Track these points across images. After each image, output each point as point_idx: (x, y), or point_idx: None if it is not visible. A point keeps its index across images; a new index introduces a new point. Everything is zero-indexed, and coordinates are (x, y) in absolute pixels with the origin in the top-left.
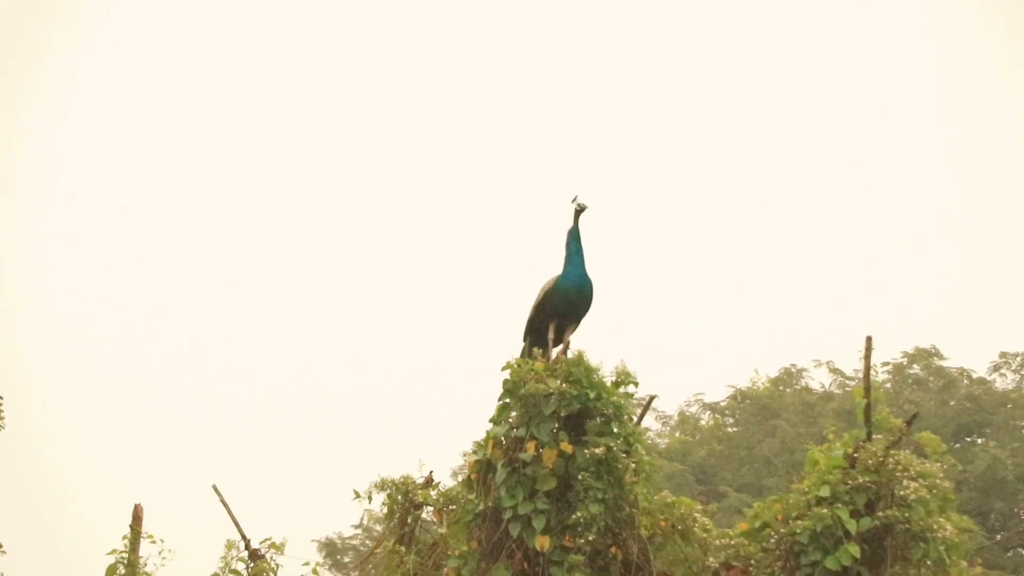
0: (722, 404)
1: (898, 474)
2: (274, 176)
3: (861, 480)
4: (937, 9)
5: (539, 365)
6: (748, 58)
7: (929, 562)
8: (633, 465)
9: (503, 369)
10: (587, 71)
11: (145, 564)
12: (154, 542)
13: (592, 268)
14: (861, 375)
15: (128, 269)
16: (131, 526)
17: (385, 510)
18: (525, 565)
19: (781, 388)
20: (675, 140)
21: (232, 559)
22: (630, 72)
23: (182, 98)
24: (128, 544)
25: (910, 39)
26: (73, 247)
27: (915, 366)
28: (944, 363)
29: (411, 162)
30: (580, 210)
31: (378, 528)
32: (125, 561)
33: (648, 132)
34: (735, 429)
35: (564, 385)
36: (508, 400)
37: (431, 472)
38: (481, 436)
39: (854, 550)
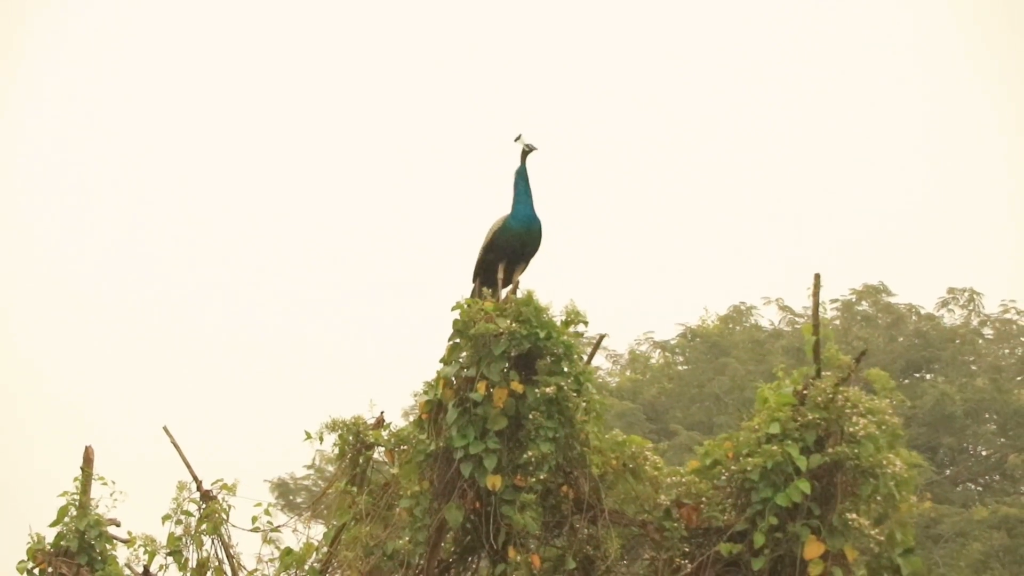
0: (672, 343)
1: (847, 411)
2: (242, 117)
3: (811, 417)
4: None
5: (489, 305)
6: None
7: (879, 497)
8: (584, 404)
9: (453, 309)
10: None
11: (96, 506)
12: (105, 483)
13: (541, 208)
14: (810, 312)
15: (92, 200)
16: (82, 468)
17: (337, 451)
18: (477, 504)
19: (731, 326)
20: (623, 77)
21: (184, 500)
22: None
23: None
24: (79, 486)
25: None
26: (40, 174)
27: (864, 303)
28: (892, 300)
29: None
30: (527, 150)
31: (330, 469)
32: (76, 503)
33: (595, 69)
34: (685, 367)
35: (514, 325)
36: (458, 340)
37: (382, 413)
38: (432, 376)
39: (804, 486)
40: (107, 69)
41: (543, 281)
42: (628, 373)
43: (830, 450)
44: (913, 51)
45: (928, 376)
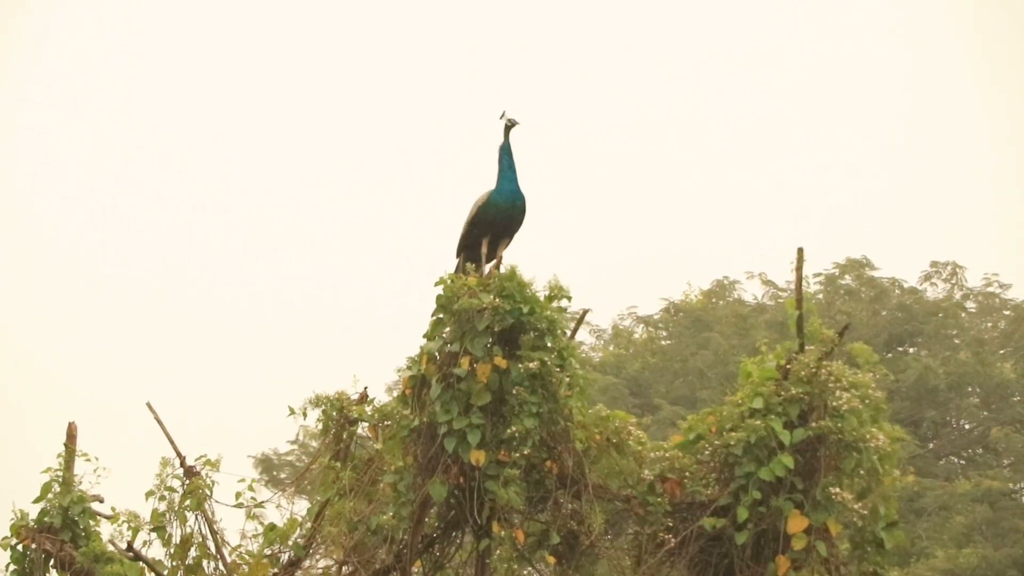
0: (655, 317)
1: (831, 385)
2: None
3: (794, 391)
4: None
5: (472, 280)
6: None
7: (862, 471)
8: (567, 379)
9: (436, 284)
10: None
11: (80, 482)
12: (89, 460)
13: (524, 183)
14: (793, 286)
15: (80, 176)
16: (65, 444)
17: (320, 426)
18: (461, 479)
19: (714, 301)
20: (614, 51)
21: (167, 476)
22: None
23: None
24: (63, 462)
25: None
26: (30, 155)
27: (847, 276)
28: (875, 273)
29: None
30: (510, 125)
31: (314, 444)
32: (60, 479)
33: (585, 44)
34: (669, 342)
35: (497, 300)
36: (442, 315)
37: (366, 388)
38: (415, 352)
39: (788, 461)
40: (105, 71)
41: (526, 256)
42: (611, 348)
43: (813, 424)
44: (896, 27)
45: (911, 350)
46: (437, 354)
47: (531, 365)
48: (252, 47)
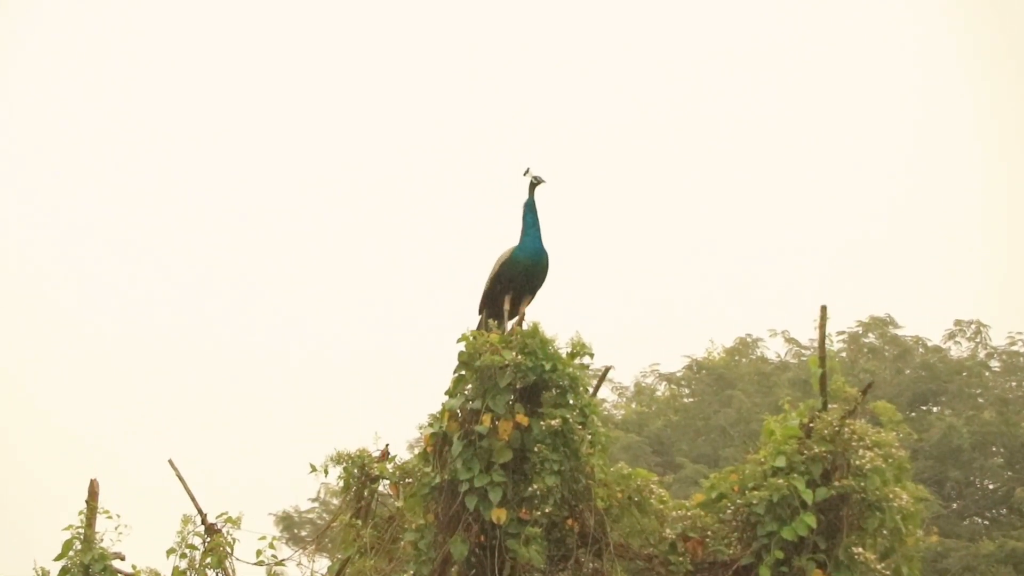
0: (678, 375)
1: (854, 443)
2: (243, 146)
3: (817, 450)
4: None
5: (494, 337)
6: (712, 38)
7: (885, 531)
8: (589, 437)
9: (458, 341)
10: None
11: (101, 539)
12: (110, 517)
13: (548, 240)
14: (816, 344)
15: (93, 231)
16: (87, 501)
17: (341, 484)
18: (482, 537)
19: (737, 358)
20: (634, 113)
21: (188, 534)
22: (586, 41)
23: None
24: (84, 519)
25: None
26: (38, 210)
27: (870, 335)
28: (899, 332)
29: (370, 132)
30: (536, 183)
31: (335, 502)
32: (81, 536)
33: (606, 105)
34: (691, 400)
35: (520, 357)
36: (464, 372)
37: (387, 445)
38: (437, 409)
39: (810, 520)
40: (105, 78)
41: (549, 313)
42: (634, 405)
43: (836, 483)
44: (907, 70)
45: (935, 409)
46: (459, 411)
47: (553, 422)
48: (272, 94)
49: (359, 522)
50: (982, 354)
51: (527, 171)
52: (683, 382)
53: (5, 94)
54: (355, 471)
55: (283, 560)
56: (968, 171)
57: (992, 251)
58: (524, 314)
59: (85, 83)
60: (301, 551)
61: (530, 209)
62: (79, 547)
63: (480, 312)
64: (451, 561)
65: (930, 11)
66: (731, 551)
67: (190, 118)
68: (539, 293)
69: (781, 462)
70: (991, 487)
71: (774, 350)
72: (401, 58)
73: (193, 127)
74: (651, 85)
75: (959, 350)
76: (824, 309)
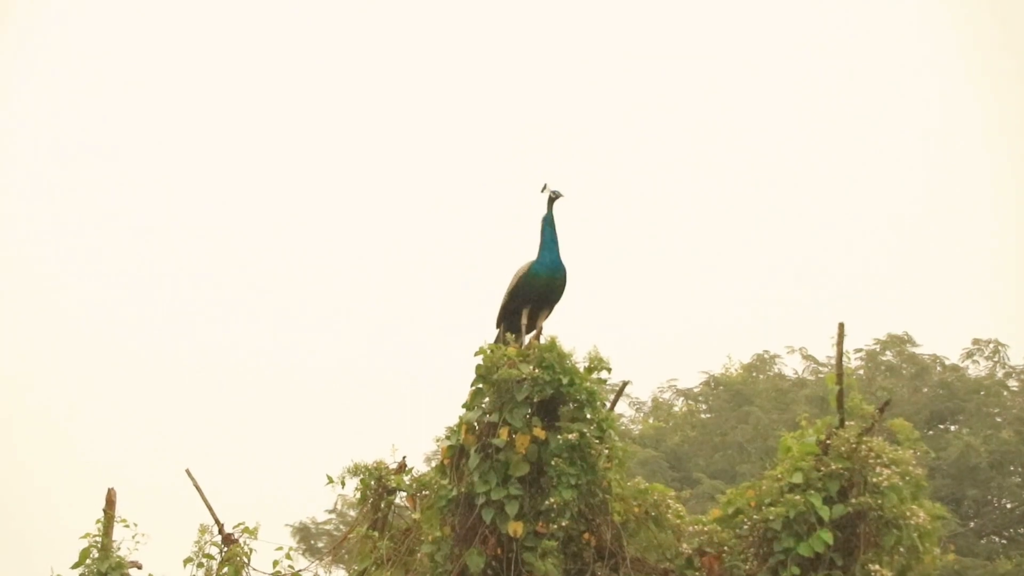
0: (695, 390)
1: (871, 461)
2: (246, 154)
3: (834, 467)
4: None
5: (512, 351)
6: (722, 48)
7: (902, 549)
8: (606, 451)
9: (476, 354)
10: (560, 59)
11: (119, 548)
12: (127, 526)
13: (566, 255)
14: (834, 361)
15: (109, 244)
16: (104, 510)
17: (358, 495)
18: (498, 551)
19: (754, 374)
20: (650, 128)
21: (205, 543)
22: (601, 60)
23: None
24: (101, 528)
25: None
26: (49, 209)
27: (888, 352)
28: (917, 350)
29: (389, 144)
30: (554, 197)
31: (351, 513)
32: (99, 545)
33: (622, 120)
34: (708, 415)
35: (537, 371)
36: (481, 385)
37: (404, 457)
38: (454, 421)
39: (827, 537)
40: (105, 84)
41: (567, 327)
42: (651, 420)
43: (853, 500)
44: (926, 84)
45: (952, 427)
46: (476, 424)
47: (570, 436)
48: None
49: (376, 534)
50: (1000, 373)
51: (545, 187)
52: (700, 398)
53: (22, 97)
54: (372, 483)
55: (300, 571)
56: (987, 189)
57: (1011, 270)
58: (542, 328)
59: (99, 89)
60: (318, 562)
61: (548, 224)
62: (96, 555)
63: (498, 326)
64: (467, 574)
65: (961, 33)
66: (747, 567)
67: (206, 126)
68: (557, 307)
69: (798, 478)
70: (1009, 506)
71: (791, 367)
72: (416, 71)
73: (211, 134)
74: (677, 100)
75: (977, 369)
76: (842, 326)
